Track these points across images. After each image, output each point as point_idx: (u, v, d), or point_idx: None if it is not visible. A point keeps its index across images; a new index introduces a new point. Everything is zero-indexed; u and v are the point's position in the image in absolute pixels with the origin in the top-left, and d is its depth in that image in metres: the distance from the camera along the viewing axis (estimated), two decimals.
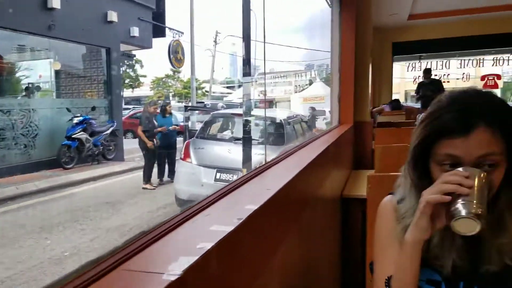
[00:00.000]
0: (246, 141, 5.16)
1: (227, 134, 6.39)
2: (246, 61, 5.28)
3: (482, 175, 0.81)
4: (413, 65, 12.47)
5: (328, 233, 1.78)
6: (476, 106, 0.83)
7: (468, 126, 0.81)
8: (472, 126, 0.81)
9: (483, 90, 0.89)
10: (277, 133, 5.85)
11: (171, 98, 26.71)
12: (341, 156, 2.23)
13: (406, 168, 0.94)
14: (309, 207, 1.17)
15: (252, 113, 5.56)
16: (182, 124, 10.00)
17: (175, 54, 13.93)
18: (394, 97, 8.63)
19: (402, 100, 12.62)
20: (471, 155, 0.82)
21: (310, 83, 23.08)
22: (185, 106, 13.31)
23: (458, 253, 0.89)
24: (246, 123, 5.18)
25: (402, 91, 23.58)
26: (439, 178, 0.83)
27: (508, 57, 12.42)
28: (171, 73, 26.95)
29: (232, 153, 5.34)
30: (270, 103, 10.69)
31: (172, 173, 7.25)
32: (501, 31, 7.07)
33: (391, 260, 0.93)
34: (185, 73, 25.56)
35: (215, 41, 22.71)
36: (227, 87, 32.40)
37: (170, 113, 8.09)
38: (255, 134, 5.56)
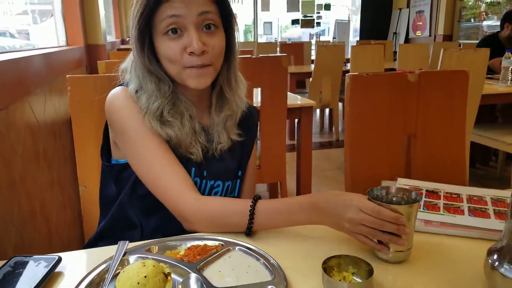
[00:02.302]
0: None
1: None
2: None
3: (413, 207, 0.73)
4: None
5: (53, 158, 1.61)
6: None
7: None
8: None
9: None
10: None
11: None
12: (55, 78, 2.00)
13: (134, 53, 0.92)
14: None
15: None
16: None
17: None
18: None
19: None
20: (192, 12, 0.86)
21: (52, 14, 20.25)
22: None
23: (202, 137, 0.97)
24: None
25: None
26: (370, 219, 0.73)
27: None
28: None
29: None
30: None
31: None
32: None
33: (168, 155, 0.91)
34: None
35: None
36: None
37: None
38: None
